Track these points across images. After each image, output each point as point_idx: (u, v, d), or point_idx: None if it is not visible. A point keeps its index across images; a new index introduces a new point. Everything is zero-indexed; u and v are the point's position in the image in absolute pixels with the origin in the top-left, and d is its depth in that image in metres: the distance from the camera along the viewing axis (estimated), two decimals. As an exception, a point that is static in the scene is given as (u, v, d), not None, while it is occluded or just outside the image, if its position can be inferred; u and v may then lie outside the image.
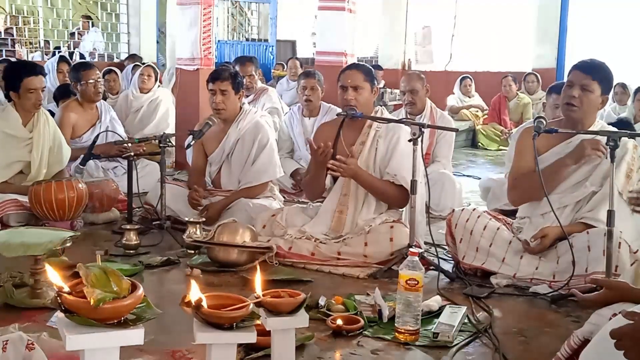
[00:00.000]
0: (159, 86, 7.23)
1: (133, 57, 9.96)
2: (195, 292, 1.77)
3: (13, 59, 8.58)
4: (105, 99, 6.17)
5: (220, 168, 4.54)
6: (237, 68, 6.47)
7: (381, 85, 9.46)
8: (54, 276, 1.61)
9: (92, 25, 12.39)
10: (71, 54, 10.40)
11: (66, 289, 1.59)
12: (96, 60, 10.80)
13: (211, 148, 4.53)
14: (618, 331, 1.58)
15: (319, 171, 3.79)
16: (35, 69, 4.43)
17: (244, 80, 5.06)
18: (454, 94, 10.22)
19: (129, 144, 4.73)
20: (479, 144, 9.44)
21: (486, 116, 9.76)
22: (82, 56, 10.56)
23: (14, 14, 12.13)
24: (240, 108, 4.51)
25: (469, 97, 10.13)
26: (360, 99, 3.77)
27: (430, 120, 5.24)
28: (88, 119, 5.32)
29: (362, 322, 2.71)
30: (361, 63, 4.37)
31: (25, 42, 11.53)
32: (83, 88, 5.19)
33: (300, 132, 5.75)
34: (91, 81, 5.17)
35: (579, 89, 3.36)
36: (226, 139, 4.46)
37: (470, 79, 10.24)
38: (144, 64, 8.05)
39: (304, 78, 5.72)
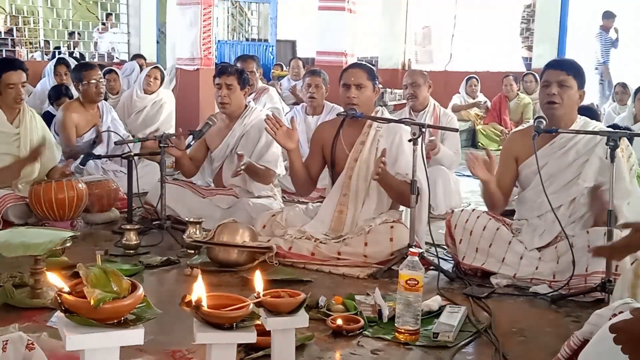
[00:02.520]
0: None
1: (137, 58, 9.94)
2: (199, 289, 1.77)
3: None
4: (106, 99, 6.18)
5: (222, 165, 4.54)
6: (239, 65, 6.49)
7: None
8: (53, 278, 1.61)
9: (110, 27, 12.41)
10: (71, 54, 10.41)
11: (66, 289, 1.59)
12: (114, 61, 10.79)
13: (215, 144, 4.53)
14: (615, 325, 1.59)
15: (291, 158, 3.82)
16: (14, 64, 4.42)
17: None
18: (459, 93, 10.20)
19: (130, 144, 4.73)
20: (479, 144, 9.43)
21: (485, 116, 9.76)
22: (81, 57, 10.56)
23: (14, 14, 12.14)
24: (246, 106, 4.53)
25: (473, 99, 10.08)
26: (363, 97, 3.78)
27: (433, 117, 5.30)
28: (89, 119, 5.32)
29: (362, 322, 2.71)
30: (364, 62, 4.39)
31: (25, 42, 11.55)
32: (85, 88, 5.19)
33: (302, 130, 5.78)
34: (93, 81, 5.17)
35: (557, 86, 3.36)
36: (231, 135, 4.48)
37: (477, 79, 10.05)
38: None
39: (310, 76, 5.79)
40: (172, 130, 6.53)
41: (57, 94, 6.19)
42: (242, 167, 4.11)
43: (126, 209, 4.33)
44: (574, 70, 3.40)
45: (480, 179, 3.46)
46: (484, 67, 11.63)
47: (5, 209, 4.18)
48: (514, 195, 3.78)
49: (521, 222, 3.56)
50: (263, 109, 5.09)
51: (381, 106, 4.26)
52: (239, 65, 6.34)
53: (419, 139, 3.40)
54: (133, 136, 5.93)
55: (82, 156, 4.70)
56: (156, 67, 7.08)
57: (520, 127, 3.79)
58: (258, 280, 1.99)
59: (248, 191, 4.45)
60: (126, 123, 6.63)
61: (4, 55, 9.72)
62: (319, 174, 4.03)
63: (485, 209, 3.90)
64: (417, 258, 2.59)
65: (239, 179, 4.46)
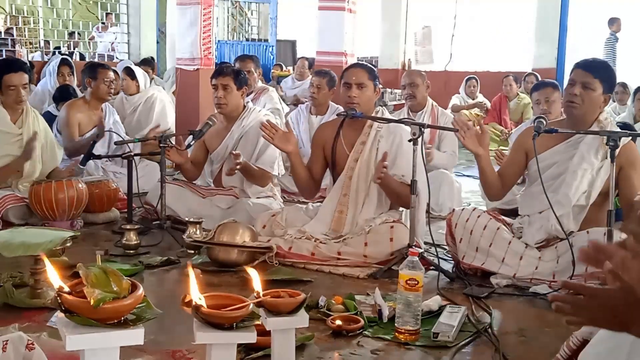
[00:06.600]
0: (151, 82, 7.10)
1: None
2: (192, 284, 1.76)
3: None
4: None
5: (222, 166, 4.54)
6: (237, 65, 6.48)
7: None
8: (53, 275, 1.61)
9: (110, 26, 12.39)
10: (71, 54, 10.41)
11: (66, 289, 1.59)
12: (114, 60, 10.75)
13: (214, 145, 4.53)
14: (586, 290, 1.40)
15: (292, 160, 3.86)
16: (15, 65, 4.41)
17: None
18: (459, 93, 10.20)
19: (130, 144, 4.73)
20: (479, 143, 9.41)
21: (485, 116, 9.75)
22: (82, 57, 10.56)
23: (14, 14, 12.16)
24: (244, 106, 4.53)
25: (473, 99, 10.07)
26: (363, 97, 3.78)
27: (431, 117, 5.32)
28: (92, 119, 5.32)
29: (362, 322, 2.71)
30: (365, 63, 4.39)
31: (25, 42, 11.55)
32: (98, 85, 5.19)
33: (305, 129, 5.80)
34: (107, 80, 5.19)
35: (581, 86, 3.36)
36: (229, 136, 4.48)
37: (476, 79, 10.05)
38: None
39: (314, 76, 5.85)
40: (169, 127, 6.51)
41: (63, 95, 6.18)
42: (238, 167, 4.12)
43: (126, 209, 4.33)
44: (602, 74, 3.39)
45: (469, 150, 3.47)
46: (484, 67, 11.62)
47: (6, 210, 4.18)
48: (520, 191, 3.79)
49: (523, 220, 3.56)
50: (262, 109, 5.09)
51: (381, 106, 4.26)
52: (237, 65, 6.36)
53: (419, 139, 3.40)
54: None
55: (82, 156, 4.70)
56: (125, 69, 6.89)
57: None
58: (256, 279, 1.98)
59: (246, 192, 4.45)
60: (123, 126, 6.60)
61: (4, 55, 9.71)
62: (322, 175, 4.03)
63: (485, 208, 3.91)
64: (417, 258, 2.59)
65: (236, 179, 4.47)
